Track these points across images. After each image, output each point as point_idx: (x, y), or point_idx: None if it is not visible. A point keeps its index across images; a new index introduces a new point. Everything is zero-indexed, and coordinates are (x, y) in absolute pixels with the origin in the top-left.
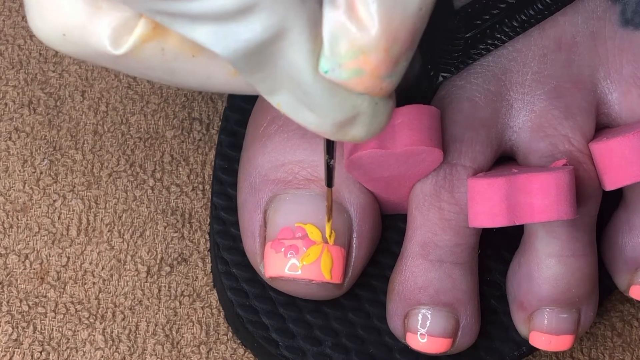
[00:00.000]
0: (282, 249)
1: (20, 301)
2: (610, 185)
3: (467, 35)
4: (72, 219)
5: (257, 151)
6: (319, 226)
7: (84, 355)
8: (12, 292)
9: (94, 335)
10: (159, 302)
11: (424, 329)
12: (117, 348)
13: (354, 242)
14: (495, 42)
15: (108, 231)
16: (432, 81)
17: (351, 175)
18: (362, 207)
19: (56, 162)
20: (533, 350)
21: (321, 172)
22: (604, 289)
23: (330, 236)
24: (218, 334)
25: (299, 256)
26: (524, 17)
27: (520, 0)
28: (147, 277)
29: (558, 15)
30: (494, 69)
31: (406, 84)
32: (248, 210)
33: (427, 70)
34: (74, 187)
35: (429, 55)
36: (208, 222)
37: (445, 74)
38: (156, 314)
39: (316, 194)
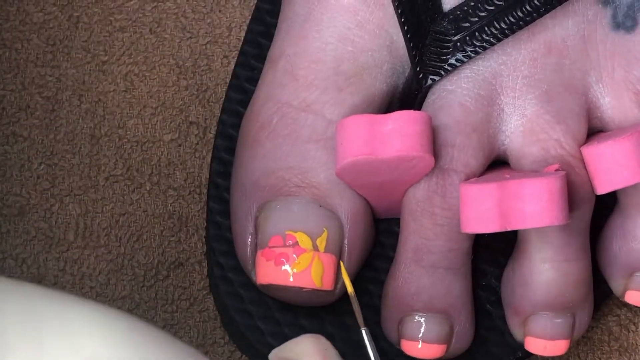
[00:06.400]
0: (273, 257)
1: None
2: (602, 189)
3: (456, 37)
4: (69, 223)
5: (248, 157)
6: (310, 234)
7: None
8: None
9: None
10: (156, 306)
11: (418, 336)
12: None
13: (345, 248)
14: (484, 44)
15: (105, 235)
16: (421, 84)
17: (342, 180)
18: (353, 213)
19: (53, 167)
20: (528, 355)
21: (311, 178)
22: (601, 293)
23: (320, 244)
24: (215, 338)
25: (290, 264)
26: (512, 20)
27: (508, 2)
28: (144, 281)
29: (548, 18)
30: (484, 73)
31: (397, 89)
32: (239, 217)
33: (417, 73)
34: (71, 191)
35: (418, 58)
36: (204, 226)
37: (434, 77)
38: (153, 318)
39: (307, 201)
